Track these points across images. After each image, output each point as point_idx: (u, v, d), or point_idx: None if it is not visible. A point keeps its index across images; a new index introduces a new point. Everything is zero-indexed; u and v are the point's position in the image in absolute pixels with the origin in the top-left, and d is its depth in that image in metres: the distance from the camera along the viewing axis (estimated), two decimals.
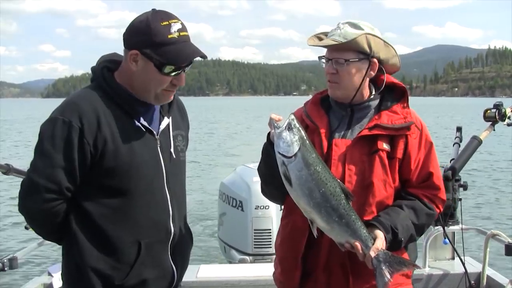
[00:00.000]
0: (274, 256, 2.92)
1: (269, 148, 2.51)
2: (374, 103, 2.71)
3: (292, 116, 2.40)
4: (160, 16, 2.38)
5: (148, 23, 2.36)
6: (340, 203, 2.39)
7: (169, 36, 2.36)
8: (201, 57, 2.44)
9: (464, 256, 4.38)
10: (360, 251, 2.41)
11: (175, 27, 2.38)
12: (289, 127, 2.37)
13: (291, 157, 2.35)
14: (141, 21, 2.39)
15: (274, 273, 2.89)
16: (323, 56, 2.68)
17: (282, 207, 2.87)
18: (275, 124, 2.39)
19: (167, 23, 2.37)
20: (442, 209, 2.72)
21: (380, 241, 2.43)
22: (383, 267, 2.41)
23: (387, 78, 2.70)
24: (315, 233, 2.44)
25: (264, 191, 2.83)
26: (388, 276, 2.41)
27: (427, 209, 2.62)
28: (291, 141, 2.36)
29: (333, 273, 2.62)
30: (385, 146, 2.59)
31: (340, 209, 2.39)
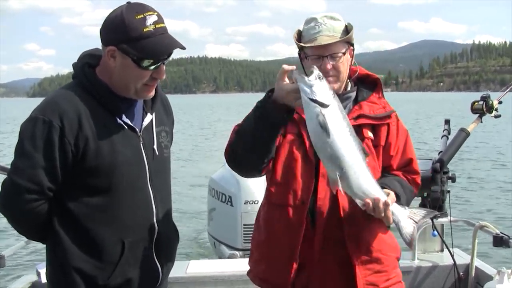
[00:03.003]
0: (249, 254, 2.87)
1: (270, 110, 2.39)
2: (353, 94, 2.73)
3: (317, 68, 2.33)
4: (134, 9, 2.32)
5: (122, 17, 2.30)
6: (364, 158, 2.37)
7: (145, 30, 2.30)
8: (179, 48, 2.40)
9: (452, 248, 4.42)
10: (381, 206, 2.38)
11: (151, 19, 2.32)
12: (320, 77, 2.31)
13: (328, 105, 2.28)
14: (116, 15, 2.34)
15: (251, 272, 2.84)
16: (317, 54, 2.59)
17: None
18: (299, 76, 2.30)
19: (142, 16, 2.31)
20: (417, 193, 2.82)
21: (392, 195, 2.45)
22: (405, 219, 2.45)
23: (360, 69, 2.76)
24: (335, 190, 2.38)
25: (238, 160, 2.64)
26: (411, 227, 2.45)
27: (410, 186, 2.70)
28: (328, 88, 2.31)
29: (328, 265, 2.61)
30: (370, 134, 2.65)
31: (365, 164, 2.37)
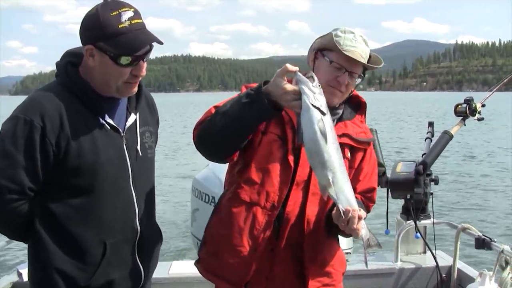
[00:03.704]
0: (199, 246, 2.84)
1: (262, 102, 2.35)
2: (340, 111, 2.72)
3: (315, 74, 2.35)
4: (109, 7, 2.30)
5: (97, 15, 2.29)
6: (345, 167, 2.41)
7: (120, 26, 2.27)
8: (156, 42, 2.36)
9: (435, 249, 4.43)
10: (357, 218, 2.38)
11: (126, 15, 2.29)
12: (320, 85, 2.34)
13: (326, 114, 2.31)
14: (92, 14, 2.31)
15: (199, 263, 2.82)
16: (341, 65, 2.56)
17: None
18: (305, 79, 2.32)
19: (117, 12, 2.28)
20: None
21: (363, 212, 2.45)
22: (369, 237, 2.48)
23: (353, 91, 2.75)
24: (325, 196, 2.36)
25: (208, 141, 2.56)
26: (372, 248, 2.50)
27: (365, 210, 2.68)
28: (324, 99, 2.34)
29: (286, 272, 2.64)
30: (349, 154, 2.65)
31: (346, 172, 2.41)
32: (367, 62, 2.62)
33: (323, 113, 2.29)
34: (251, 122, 2.43)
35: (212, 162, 6.29)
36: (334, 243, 2.76)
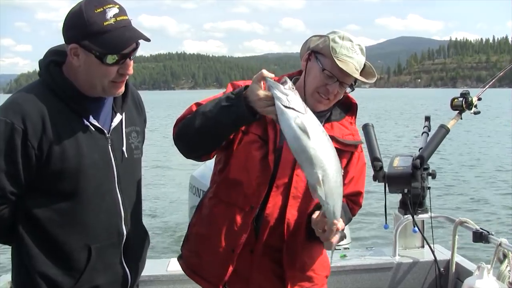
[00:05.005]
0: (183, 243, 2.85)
1: (239, 105, 2.32)
2: (328, 113, 2.68)
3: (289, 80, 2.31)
4: (93, 3, 2.22)
5: (81, 13, 2.21)
6: (341, 168, 2.34)
7: (105, 23, 2.20)
8: (143, 40, 2.29)
9: (433, 243, 4.45)
10: (335, 230, 2.36)
11: (111, 12, 2.21)
12: (293, 88, 2.27)
13: (305, 113, 2.22)
14: (75, 11, 2.24)
15: (182, 260, 2.81)
16: (334, 74, 2.51)
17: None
18: (275, 83, 2.26)
19: (102, 9, 2.21)
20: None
21: (342, 222, 2.41)
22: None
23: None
24: (315, 196, 2.26)
25: (185, 138, 2.53)
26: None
27: (349, 213, 2.72)
28: (301, 100, 2.25)
29: (265, 275, 2.64)
30: None
31: (341, 173, 2.33)
32: (361, 72, 2.57)
33: (300, 112, 2.22)
34: (228, 125, 2.40)
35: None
36: (316, 246, 2.70)
